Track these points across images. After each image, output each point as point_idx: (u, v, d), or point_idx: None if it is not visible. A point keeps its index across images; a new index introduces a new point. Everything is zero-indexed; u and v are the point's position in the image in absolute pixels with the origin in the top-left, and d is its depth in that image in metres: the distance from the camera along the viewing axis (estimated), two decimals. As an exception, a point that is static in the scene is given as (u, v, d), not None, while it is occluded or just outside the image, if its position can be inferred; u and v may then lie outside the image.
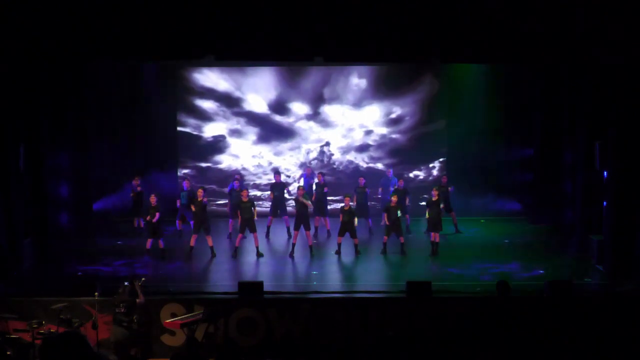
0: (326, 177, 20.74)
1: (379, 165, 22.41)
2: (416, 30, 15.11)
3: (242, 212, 17.71)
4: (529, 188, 21.23)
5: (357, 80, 22.31)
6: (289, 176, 22.43)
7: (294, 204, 18.50)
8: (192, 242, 17.76)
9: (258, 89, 22.26)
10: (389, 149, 22.52)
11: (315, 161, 22.50)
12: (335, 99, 22.35)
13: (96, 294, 13.43)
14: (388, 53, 15.92)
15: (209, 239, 17.79)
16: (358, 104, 22.35)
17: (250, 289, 14.46)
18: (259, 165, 22.62)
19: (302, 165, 22.26)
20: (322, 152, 22.64)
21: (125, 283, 13.32)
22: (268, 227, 19.62)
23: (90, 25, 14.78)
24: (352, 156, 22.64)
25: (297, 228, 17.89)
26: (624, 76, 15.45)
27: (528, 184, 21.22)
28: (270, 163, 22.57)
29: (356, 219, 17.92)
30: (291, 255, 17.81)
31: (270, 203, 19.93)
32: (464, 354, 13.49)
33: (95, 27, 14.79)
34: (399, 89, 22.24)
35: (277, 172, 20.34)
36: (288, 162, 22.64)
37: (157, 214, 17.56)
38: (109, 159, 21.33)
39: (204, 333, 13.80)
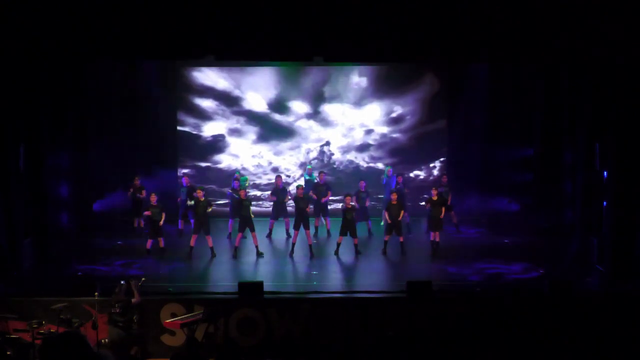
0: (326, 178, 20.69)
1: (379, 165, 22.40)
2: (416, 30, 15.08)
3: (241, 210, 17.74)
4: (529, 188, 21.20)
5: (357, 78, 22.28)
6: (289, 176, 22.42)
7: (294, 204, 18.46)
8: (192, 242, 17.77)
9: (257, 87, 22.20)
10: (389, 148, 22.51)
11: (315, 161, 22.50)
12: (335, 97, 22.32)
13: (96, 294, 13.43)
14: (388, 53, 15.91)
15: (209, 239, 17.79)
16: (358, 103, 22.33)
17: (250, 289, 14.46)
18: (259, 165, 22.60)
19: (302, 165, 22.25)
20: (322, 152, 22.62)
21: (122, 282, 13.33)
22: (270, 230, 19.59)
23: (90, 25, 14.73)
24: (352, 156, 22.62)
25: (297, 227, 17.89)
26: (624, 76, 15.44)
27: (528, 184, 21.19)
28: (270, 163, 22.55)
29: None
30: (291, 255, 17.83)
31: (270, 203, 19.92)
32: (464, 354, 13.52)
33: (95, 27, 14.74)
34: (399, 88, 22.23)
35: (279, 176, 19.94)
36: (288, 161, 22.61)
37: (163, 215, 17.59)
38: (109, 159, 21.31)
39: (204, 333, 13.80)
